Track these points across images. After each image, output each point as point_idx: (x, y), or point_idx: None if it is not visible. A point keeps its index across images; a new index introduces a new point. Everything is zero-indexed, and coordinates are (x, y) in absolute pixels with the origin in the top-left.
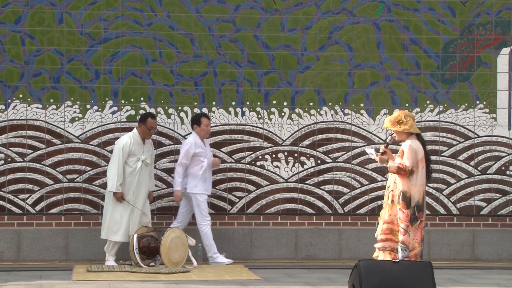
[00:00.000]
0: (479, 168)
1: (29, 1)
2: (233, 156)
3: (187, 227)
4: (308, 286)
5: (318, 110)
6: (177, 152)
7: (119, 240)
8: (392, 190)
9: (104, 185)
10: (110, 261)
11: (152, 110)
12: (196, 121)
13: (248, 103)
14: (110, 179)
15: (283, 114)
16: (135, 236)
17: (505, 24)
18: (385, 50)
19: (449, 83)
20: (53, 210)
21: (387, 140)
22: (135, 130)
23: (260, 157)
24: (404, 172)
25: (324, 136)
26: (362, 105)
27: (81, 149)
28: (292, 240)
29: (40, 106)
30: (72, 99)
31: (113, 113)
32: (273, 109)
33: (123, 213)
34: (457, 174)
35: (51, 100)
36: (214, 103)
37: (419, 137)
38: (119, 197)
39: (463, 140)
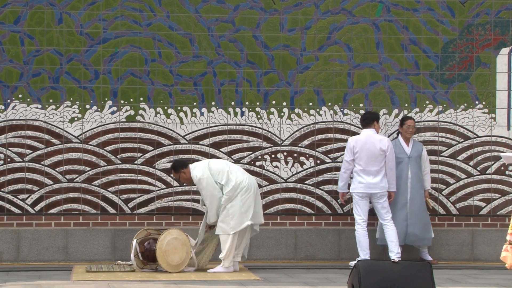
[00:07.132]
0: (478, 168)
1: (28, 1)
2: (232, 156)
3: (185, 227)
4: (307, 286)
5: (318, 110)
6: (176, 152)
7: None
8: None
9: (103, 185)
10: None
11: (152, 110)
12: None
13: (247, 103)
14: None
15: (282, 114)
16: (135, 241)
17: (504, 24)
18: (384, 50)
19: (448, 83)
20: (53, 210)
21: None
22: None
23: (260, 157)
24: None
25: (323, 136)
26: (361, 105)
27: (81, 149)
28: (292, 240)
29: (39, 106)
30: (71, 99)
31: (113, 113)
32: (272, 109)
33: None
34: (456, 174)
35: (51, 100)
36: (213, 103)
37: None
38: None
39: (462, 140)
